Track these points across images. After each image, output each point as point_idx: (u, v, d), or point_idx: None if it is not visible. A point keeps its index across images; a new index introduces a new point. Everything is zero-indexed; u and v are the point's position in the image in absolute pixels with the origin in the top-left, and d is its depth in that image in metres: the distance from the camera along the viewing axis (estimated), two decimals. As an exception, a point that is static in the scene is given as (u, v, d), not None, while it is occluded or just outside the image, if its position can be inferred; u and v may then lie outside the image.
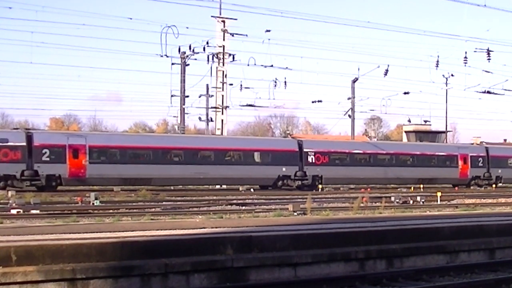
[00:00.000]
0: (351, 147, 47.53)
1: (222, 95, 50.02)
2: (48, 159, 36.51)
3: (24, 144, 36.32)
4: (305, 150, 44.20)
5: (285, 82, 49.55)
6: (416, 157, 48.92)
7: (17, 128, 40.20)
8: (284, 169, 43.09)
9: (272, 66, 47.36)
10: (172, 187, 42.97)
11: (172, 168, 40.05)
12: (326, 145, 47.85)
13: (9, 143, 35.97)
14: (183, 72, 48.43)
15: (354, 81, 56.05)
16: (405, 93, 56.41)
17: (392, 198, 30.54)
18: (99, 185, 38.91)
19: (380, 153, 47.48)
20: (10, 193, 30.97)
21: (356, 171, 45.55)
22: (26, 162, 36.10)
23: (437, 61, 51.92)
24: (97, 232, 12.84)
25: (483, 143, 60.59)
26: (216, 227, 14.25)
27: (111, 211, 23.18)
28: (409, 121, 70.67)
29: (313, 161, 44.15)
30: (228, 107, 50.39)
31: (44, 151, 36.54)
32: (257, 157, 42.83)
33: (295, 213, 21.62)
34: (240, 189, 42.10)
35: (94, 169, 37.74)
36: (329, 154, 45.03)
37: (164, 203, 28.32)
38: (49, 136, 38.90)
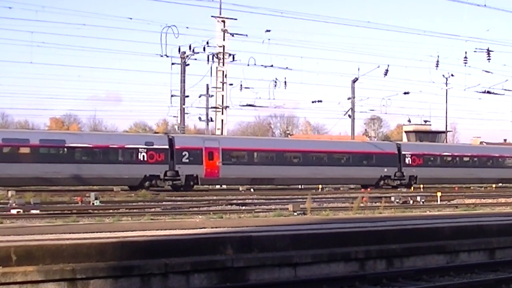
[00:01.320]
0: (441, 149, 51.88)
1: (222, 95, 50.02)
2: (187, 160, 40.32)
3: (167, 147, 40.14)
4: (403, 152, 48.34)
5: (285, 82, 49.54)
6: (495, 159, 53.05)
7: (157, 133, 44.41)
8: (385, 170, 47.21)
9: (272, 66, 47.34)
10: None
11: (292, 169, 43.81)
12: (421, 148, 51.50)
13: (154, 146, 39.64)
14: (183, 72, 48.39)
15: (354, 81, 56.03)
16: (405, 93, 56.40)
17: (392, 198, 30.54)
18: (230, 185, 43.32)
19: (465, 155, 51.95)
20: (10, 193, 30.98)
21: (445, 171, 49.76)
22: (169, 163, 39.77)
23: (437, 61, 51.94)
24: (97, 232, 12.84)
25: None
26: (216, 227, 14.25)
27: (111, 211, 23.17)
28: (409, 121, 70.67)
29: (410, 162, 48.41)
30: (228, 107, 50.41)
31: (184, 153, 40.39)
32: (363, 159, 46.66)
33: (295, 213, 21.62)
34: (240, 189, 42.14)
35: (226, 170, 41.37)
36: (423, 156, 49.35)
37: (164, 203, 28.33)
38: (188, 140, 42.72)
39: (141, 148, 39.12)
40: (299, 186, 45.85)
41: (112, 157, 38.49)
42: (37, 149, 36.68)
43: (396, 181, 47.45)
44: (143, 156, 39.02)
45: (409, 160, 48.11)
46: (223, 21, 49.44)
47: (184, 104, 49.06)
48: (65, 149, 37.31)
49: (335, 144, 50.09)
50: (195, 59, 48.39)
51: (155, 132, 42.94)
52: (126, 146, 39.09)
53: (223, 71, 49.32)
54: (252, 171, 42.00)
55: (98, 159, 38.00)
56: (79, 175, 36.99)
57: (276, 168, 42.98)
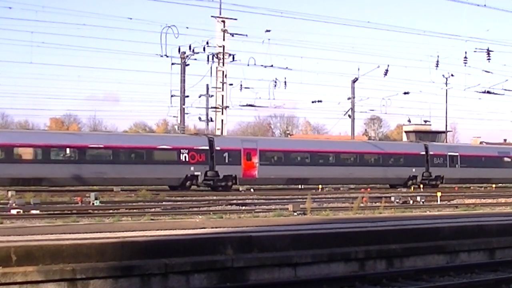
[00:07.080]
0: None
1: (222, 95, 49.97)
2: None
3: None
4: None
5: (285, 82, 49.51)
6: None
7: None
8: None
9: (272, 66, 47.30)
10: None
11: None
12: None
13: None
14: (183, 72, 48.34)
15: (354, 81, 56.00)
16: (405, 93, 56.36)
17: (392, 198, 30.54)
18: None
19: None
20: (10, 193, 30.98)
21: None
22: None
23: (437, 61, 51.90)
24: (97, 232, 12.83)
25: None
26: (216, 227, 14.25)
27: (111, 211, 23.17)
28: (409, 121, 70.56)
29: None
30: (228, 107, 50.35)
31: None
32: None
33: (295, 213, 21.62)
34: (240, 189, 42.12)
35: None
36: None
37: (164, 203, 28.32)
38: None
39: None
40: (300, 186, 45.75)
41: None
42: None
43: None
44: None
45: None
46: (223, 21, 49.40)
47: (184, 104, 49.01)
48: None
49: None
50: (195, 59, 48.34)
51: None
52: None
53: (223, 71, 49.29)
54: None
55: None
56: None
57: None
